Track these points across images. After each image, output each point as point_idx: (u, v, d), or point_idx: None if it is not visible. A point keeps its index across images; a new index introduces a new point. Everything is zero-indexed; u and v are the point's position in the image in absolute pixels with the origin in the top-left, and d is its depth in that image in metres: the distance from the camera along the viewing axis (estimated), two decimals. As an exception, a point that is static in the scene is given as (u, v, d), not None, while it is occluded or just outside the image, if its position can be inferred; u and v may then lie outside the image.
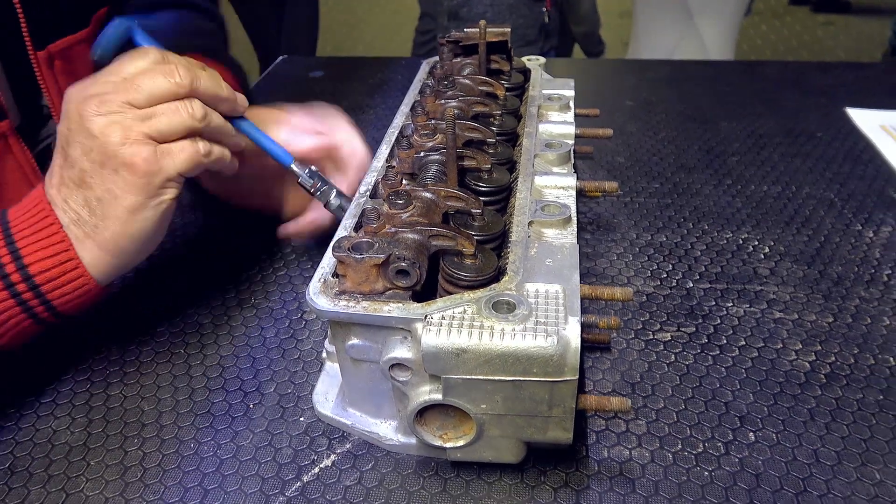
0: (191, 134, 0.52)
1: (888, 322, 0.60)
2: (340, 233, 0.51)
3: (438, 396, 0.44)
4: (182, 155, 0.51)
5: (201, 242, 0.75)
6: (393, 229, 0.46)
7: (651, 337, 0.60)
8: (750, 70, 1.16)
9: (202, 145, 0.52)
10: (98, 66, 0.53)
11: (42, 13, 0.64)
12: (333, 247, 0.44)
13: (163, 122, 0.50)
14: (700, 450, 0.49)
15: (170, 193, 0.51)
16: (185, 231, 0.76)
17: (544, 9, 1.84)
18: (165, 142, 0.50)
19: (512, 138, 0.65)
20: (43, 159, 0.65)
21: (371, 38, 4.15)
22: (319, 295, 0.45)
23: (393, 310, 0.43)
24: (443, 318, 0.43)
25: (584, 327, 0.50)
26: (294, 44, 2.55)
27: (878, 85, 1.08)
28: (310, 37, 2.72)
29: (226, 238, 0.75)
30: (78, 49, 0.68)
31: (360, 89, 1.13)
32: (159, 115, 0.50)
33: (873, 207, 0.76)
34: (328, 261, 0.47)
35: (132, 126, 0.49)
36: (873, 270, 0.66)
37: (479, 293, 0.44)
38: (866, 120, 0.95)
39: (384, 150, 0.63)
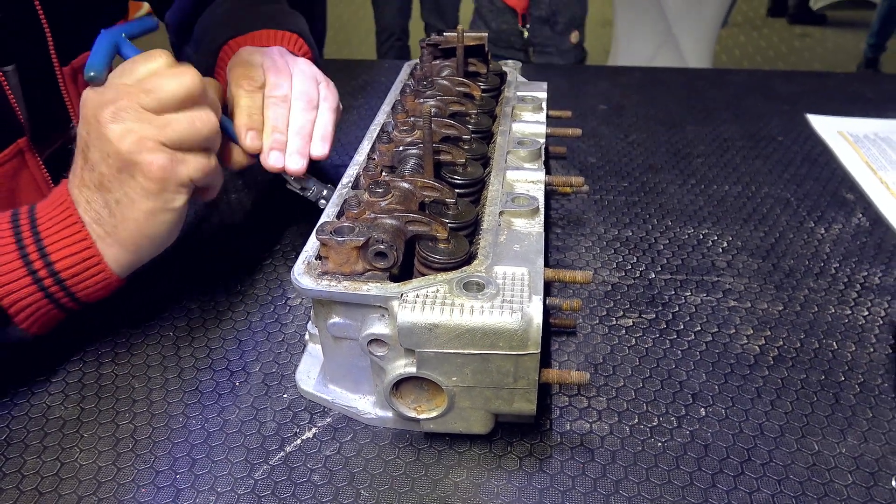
0: (203, 142, 0.55)
1: (833, 310, 0.65)
2: (324, 219, 0.54)
3: (413, 370, 0.48)
4: (195, 163, 0.54)
5: (191, 234, 0.78)
6: (372, 215, 0.49)
7: (614, 322, 0.64)
8: (719, 78, 1.21)
9: (214, 158, 0.56)
10: (93, 85, 0.55)
11: (67, 29, 0.67)
12: (317, 230, 0.48)
13: (177, 130, 0.52)
14: (654, 423, 0.53)
15: (182, 199, 0.54)
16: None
17: (518, 24, 1.87)
18: (179, 149, 0.53)
19: (486, 136, 0.69)
20: (52, 166, 0.68)
21: (358, 41, 4.18)
22: (304, 275, 0.48)
23: (371, 289, 0.47)
24: (417, 296, 0.46)
25: (549, 310, 0.54)
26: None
27: (838, 93, 1.13)
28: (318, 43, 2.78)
29: (214, 229, 0.78)
30: None
31: (344, 91, 1.16)
32: (174, 124, 0.52)
33: (826, 206, 0.81)
34: (312, 244, 0.51)
35: (147, 134, 0.51)
36: (822, 264, 0.71)
37: (451, 274, 0.48)
38: (825, 126, 1.00)
39: (366, 145, 0.66)
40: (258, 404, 0.56)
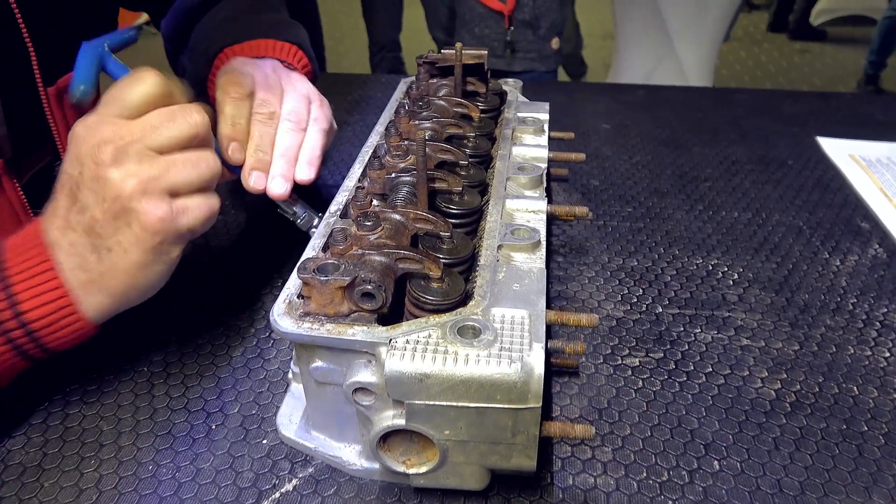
0: (206, 184, 0.51)
1: (852, 351, 0.61)
2: (308, 253, 0.51)
3: (401, 422, 0.44)
4: (198, 212, 0.50)
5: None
6: (360, 251, 0.45)
7: (620, 362, 0.60)
8: (724, 97, 1.18)
9: (215, 200, 0.52)
10: (79, 107, 0.51)
11: (53, 47, 0.63)
12: (299, 268, 0.44)
13: (182, 174, 0.49)
14: (665, 478, 0.49)
15: (178, 250, 0.50)
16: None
17: (504, 25, 1.87)
18: (179, 194, 0.49)
19: (485, 160, 0.65)
20: (30, 191, 0.64)
21: (356, 54, 4.16)
22: (283, 316, 0.44)
23: (357, 333, 0.43)
24: (407, 342, 0.42)
25: (551, 352, 0.50)
26: None
27: (847, 115, 1.10)
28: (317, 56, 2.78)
29: (193, 253, 0.74)
30: None
31: (339, 106, 1.13)
32: (178, 167, 0.48)
33: (841, 236, 0.77)
34: (294, 282, 0.47)
35: (150, 179, 0.47)
36: (839, 299, 0.67)
37: (444, 317, 0.44)
38: (836, 149, 0.96)
39: (357, 170, 0.62)
40: (235, 451, 0.51)
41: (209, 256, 0.74)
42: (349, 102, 1.15)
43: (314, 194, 0.76)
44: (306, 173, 0.61)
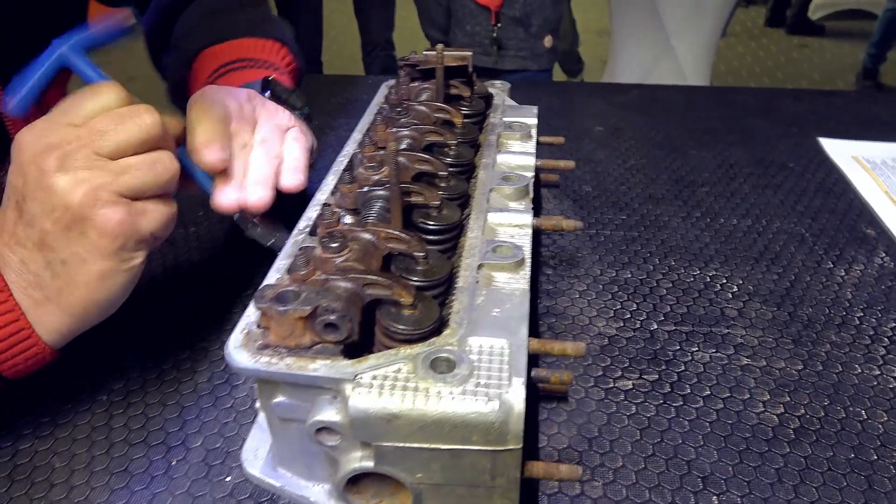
0: (163, 188, 0.47)
1: (859, 370, 0.57)
2: (272, 276, 0.47)
3: (370, 464, 0.40)
4: (157, 215, 0.47)
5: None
6: (323, 276, 0.42)
7: (611, 385, 0.56)
8: (721, 96, 1.14)
9: (175, 203, 0.49)
10: (13, 116, 0.47)
11: (13, 47, 0.57)
12: (256, 297, 0.40)
13: (137, 178, 0.45)
14: (659, 516, 0.46)
15: (141, 256, 0.47)
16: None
17: (491, 23, 1.83)
18: (137, 199, 0.46)
19: (467, 170, 0.61)
20: None
21: (350, 52, 4.11)
22: (240, 349, 0.41)
23: (319, 368, 0.39)
24: (374, 377, 0.38)
25: (536, 381, 0.47)
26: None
27: (850, 114, 1.06)
28: (314, 52, 2.79)
29: (156, 268, 0.70)
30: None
31: (323, 109, 1.09)
32: (132, 171, 0.45)
33: (845, 244, 0.74)
34: (253, 310, 0.43)
35: (102, 185, 0.43)
36: (844, 313, 0.63)
37: (416, 348, 0.40)
38: (838, 150, 0.92)
39: (330, 182, 0.59)
40: (196, 489, 0.48)
41: (175, 272, 0.70)
42: (333, 105, 1.11)
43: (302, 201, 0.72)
44: (292, 178, 0.56)
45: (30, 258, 0.44)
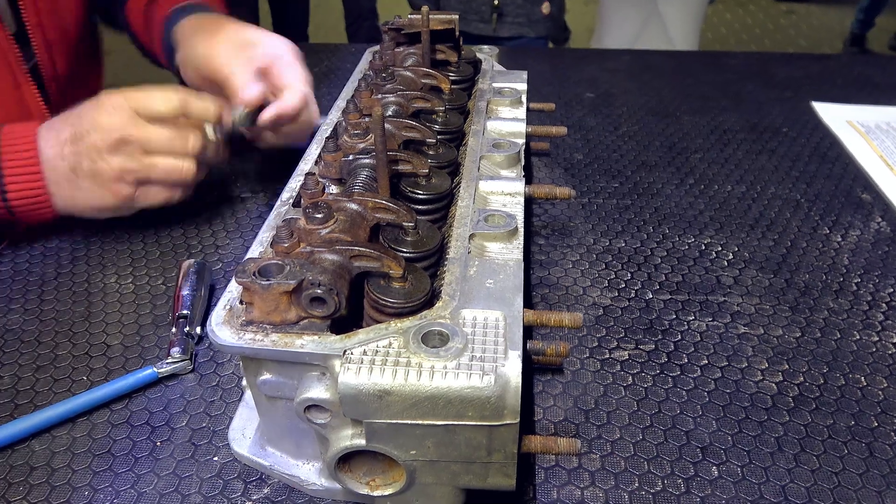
0: (173, 184, 0.64)
1: (858, 337, 0.56)
2: (254, 249, 0.45)
3: (361, 442, 0.38)
4: (153, 199, 0.64)
5: (112, 252, 0.67)
6: (308, 248, 0.40)
7: (607, 356, 0.55)
8: (714, 61, 1.12)
9: (177, 192, 0.65)
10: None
11: None
12: (237, 271, 0.38)
13: (157, 173, 0.62)
14: (659, 488, 0.45)
15: (131, 211, 0.65)
16: (101, 241, 0.69)
17: None
18: (148, 184, 0.63)
19: (457, 137, 0.59)
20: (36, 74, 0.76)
21: (333, 23, 4.03)
22: (222, 326, 0.39)
23: (306, 344, 0.37)
24: (364, 353, 0.37)
25: (531, 353, 0.45)
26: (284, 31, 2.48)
27: (843, 78, 1.04)
28: (301, 23, 2.74)
29: (140, 247, 0.68)
30: None
31: (306, 78, 1.05)
32: (156, 167, 0.61)
33: (841, 209, 0.72)
34: (235, 284, 0.41)
35: (130, 171, 0.61)
36: (841, 279, 0.62)
37: (407, 322, 0.39)
38: (832, 115, 0.91)
39: (314, 151, 0.56)
40: (182, 470, 0.46)
41: (170, 239, 0.68)
42: (316, 75, 1.07)
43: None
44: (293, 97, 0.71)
45: (63, 168, 0.61)
